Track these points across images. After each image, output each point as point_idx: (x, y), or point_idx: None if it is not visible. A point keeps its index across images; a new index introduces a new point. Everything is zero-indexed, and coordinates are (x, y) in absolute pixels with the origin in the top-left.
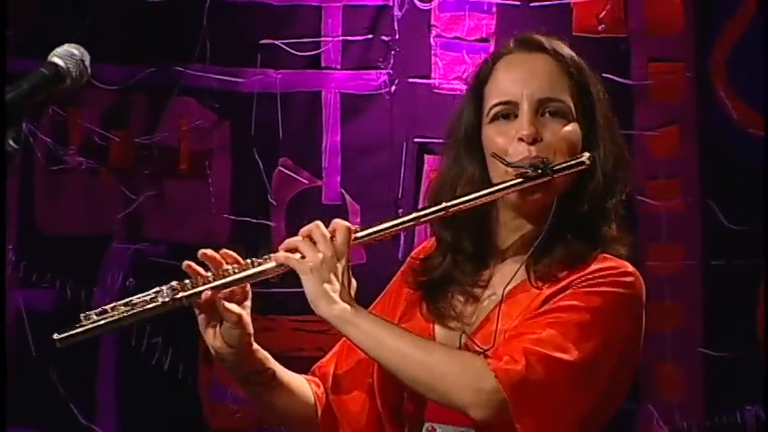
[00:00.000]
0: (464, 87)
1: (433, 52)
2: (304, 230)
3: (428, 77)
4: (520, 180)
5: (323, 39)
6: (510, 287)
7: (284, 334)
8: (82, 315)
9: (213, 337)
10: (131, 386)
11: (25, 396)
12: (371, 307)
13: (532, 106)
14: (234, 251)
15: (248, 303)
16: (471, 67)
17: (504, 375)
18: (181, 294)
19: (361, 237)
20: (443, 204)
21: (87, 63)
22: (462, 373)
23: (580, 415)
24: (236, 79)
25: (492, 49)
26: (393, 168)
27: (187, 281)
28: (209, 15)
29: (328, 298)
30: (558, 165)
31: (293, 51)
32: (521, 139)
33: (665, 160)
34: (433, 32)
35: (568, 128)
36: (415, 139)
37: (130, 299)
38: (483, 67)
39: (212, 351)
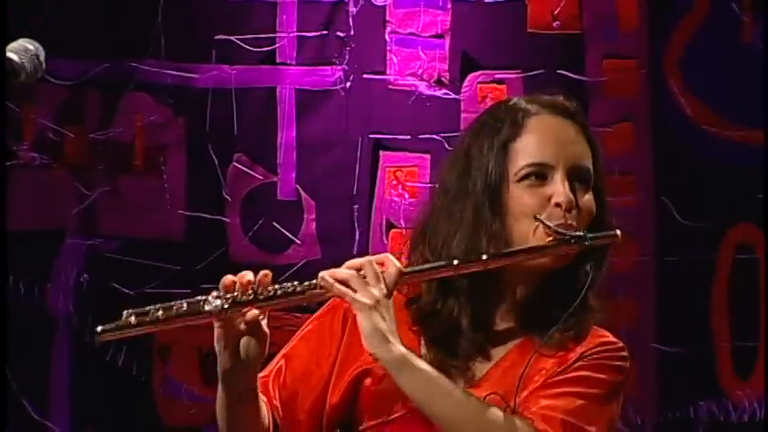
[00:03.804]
0: (419, 83)
1: (388, 48)
2: (354, 264)
3: (383, 74)
4: (557, 244)
5: (278, 35)
6: (509, 349)
7: None
8: (125, 312)
9: (233, 350)
10: (85, 383)
11: None
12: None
13: (567, 173)
14: (189, 247)
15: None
16: (426, 63)
17: None
18: (228, 306)
19: (409, 275)
20: (484, 257)
21: (42, 58)
22: None
23: None
24: (191, 75)
25: (448, 44)
26: (348, 164)
27: (225, 293)
28: (163, 10)
29: (386, 339)
30: (595, 235)
31: (248, 47)
32: (557, 205)
33: (619, 157)
34: (388, 28)
35: (591, 197)
36: (371, 135)
37: (179, 303)
38: (509, 121)
39: (224, 366)
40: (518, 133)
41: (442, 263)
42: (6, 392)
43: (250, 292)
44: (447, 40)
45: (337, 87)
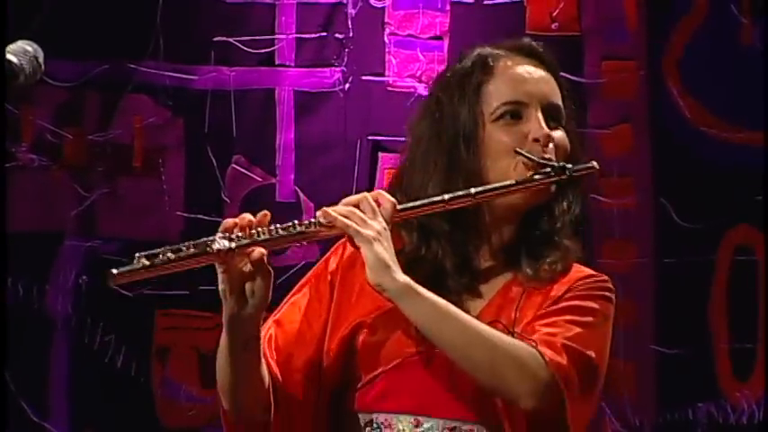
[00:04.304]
0: (418, 85)
1: (386, 50)
2: (351, 200)
3: (382, 75)
4: (542, 177)
5: (277, 36)
6: (498, 287)
7: None
8: (137, 254)
9: (239, 293)
10: (84, 384)
11: None
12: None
13: (541, 110)
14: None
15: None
16: (425, 65)
17: (556, 368)
18: (235, 245)
19: (403, 211)
20: (473, 191)
21: (41, 60)
22: (527, 361)
23: (593, 414)
24: (190, 76)
25: (446, 46)
26: (347, 166)
27: (230, 234)
28: (162, 12)
29: (389, 269)
30: (575, 167)
31: (247, 49)
32: (535, 140)
33: (618, 158)
34: (387, 30)
35: (564, 134)
36: (369, 137)
37: (186, 244)
38: (479, 65)
39: (230, 311)
40: (489, 76)
41: (433, 198)
42: (5, 394)
43: (252, 232)
44: (446, 42)
45: (336, 89)
